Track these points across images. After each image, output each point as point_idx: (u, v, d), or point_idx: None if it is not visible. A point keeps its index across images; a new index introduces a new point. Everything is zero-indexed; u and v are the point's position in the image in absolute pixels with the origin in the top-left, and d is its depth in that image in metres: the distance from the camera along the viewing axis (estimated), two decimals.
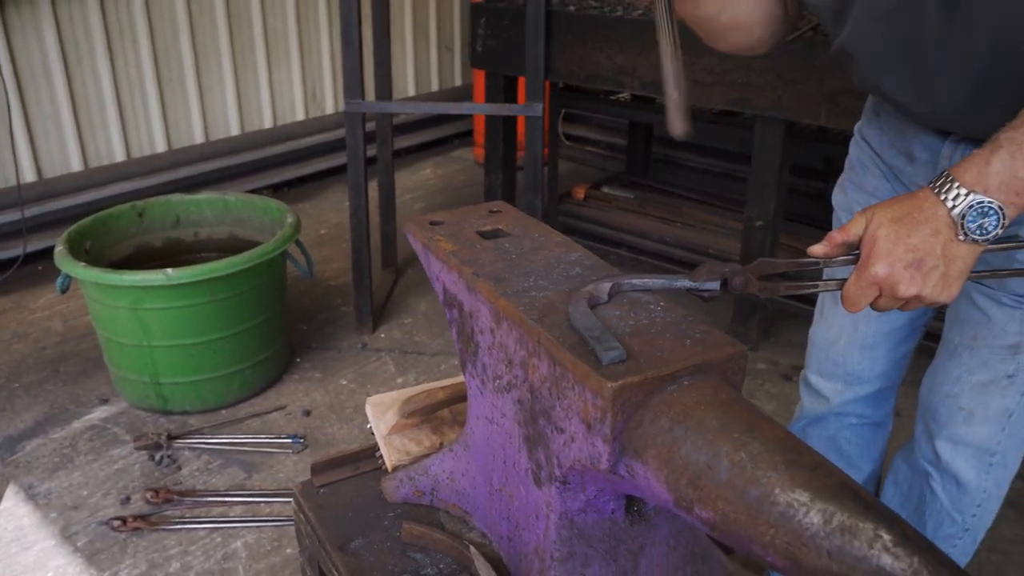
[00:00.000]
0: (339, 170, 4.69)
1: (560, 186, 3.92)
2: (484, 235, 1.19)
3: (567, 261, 1.11)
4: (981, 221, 0.91)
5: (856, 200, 1.36)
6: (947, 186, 0.92)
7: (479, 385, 1.11)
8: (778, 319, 3.19)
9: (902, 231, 0.93)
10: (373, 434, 1.35)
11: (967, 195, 0.90)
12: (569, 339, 0.90)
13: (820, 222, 3.33)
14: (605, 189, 3.98)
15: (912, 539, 0.67)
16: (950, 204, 0.92)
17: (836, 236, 0.96)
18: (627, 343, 0.89)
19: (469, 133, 5.40)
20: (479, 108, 2.80)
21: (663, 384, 0.85)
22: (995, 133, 0.92)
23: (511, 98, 3.28)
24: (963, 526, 1.38)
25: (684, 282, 0.98)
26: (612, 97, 4.20)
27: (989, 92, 1.04)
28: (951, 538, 1.40)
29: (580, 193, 3.93)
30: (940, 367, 1.33)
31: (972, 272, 0.97)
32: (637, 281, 1.01)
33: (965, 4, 1.00)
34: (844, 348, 1.43)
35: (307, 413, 2.58)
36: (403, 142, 4.98)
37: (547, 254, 1.12)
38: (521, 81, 3.36)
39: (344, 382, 2.77)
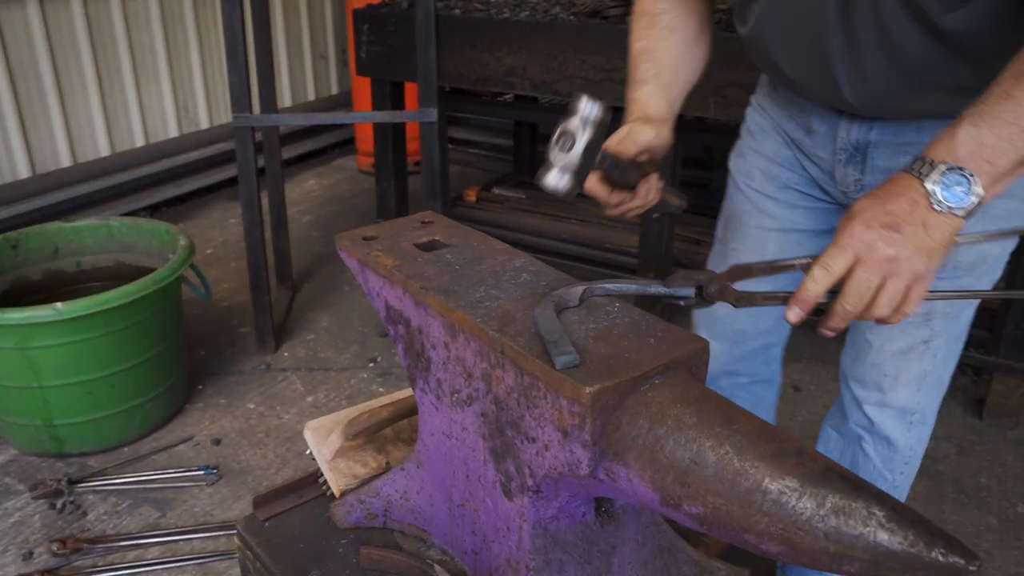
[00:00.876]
0: (219, 186, 4.52)
1: (450, 190, 3.90)
2: (422, 247, 1.17)
3: (513, 268, 1.10)
4: (953, 189, 0.90)
5: (756, 165, 1.40)
6: (919, 163, 0.93)
7: (433, 401, 1.08)
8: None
9: (878, 201, 0.91)
10: (314, 459, 1.31)
11: (937, 164, 0.90)
12: (535, 348, 0.89)
13: (711, 211, 3.44)
14: (496, 190, 4.00)
15: (902, 513, 0.70)
16: (919, 175, 0.92)
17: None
18: (592, 347, 0.89)
19: (350, 141, 5.30)
20: (374, 116, 2.75)
21: (636, 385, 0.86)
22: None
23: (398, 104, 3.24)
24: (892, 484, 1.46)
25: (659, 288, 0.97)
26: (499, 99, 4.21)
27: (883, 82, 1.10)
28: None
29: (472, 196, 3.93)
30: (861, 339, 1.39)
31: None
32: (611, 286, 1.00)
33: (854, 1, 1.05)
34: (729, 307, 1.47)
35: (217, 442, 2.47)
36: (283, 154, 4.84)
37: (491, 263, 1.11)
38: (408, 87, 3.32)
39: (252, 406, 2.67)
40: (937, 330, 1.32)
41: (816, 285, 0.89)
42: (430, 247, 1.17)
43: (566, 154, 1.08)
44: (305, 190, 4.70)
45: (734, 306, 0.95)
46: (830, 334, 0.92)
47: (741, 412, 0.83)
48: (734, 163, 1.46)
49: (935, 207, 0.90)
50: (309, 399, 2.70)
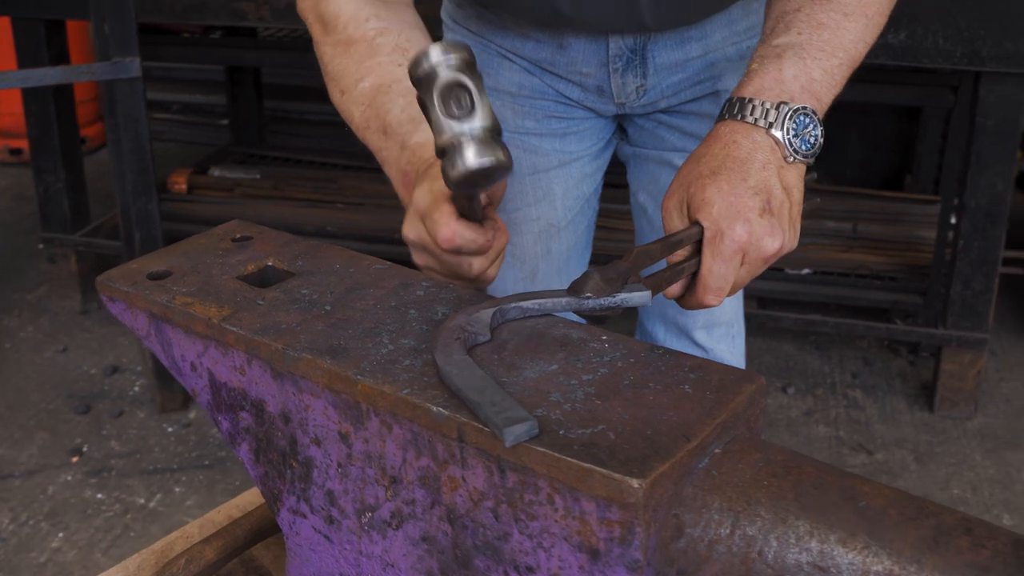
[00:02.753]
0: None
1: None
2: (252, 280, 1.04)
3: (414, 298, 1.00)
4: (803, 132, 1.07)
5: (501, 105, 1.52)
6: (748, 108, 1.08)
7: (320, 527, 0.96)
8: None
9: (733, 179, 1.05)
10: None
11: (779, 107, 1.06)
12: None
13: None
14: (216, 172, 3.81)
15: None
16: (765, 124, 1.07)
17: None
18: (604, 410, 0.82)
19: None
20: (31, 76, 2.49)
21: (693, 463, 0.78)
22: (758, 50, 1.14)
23: (61, 57, 2.98)
24: None
25: (595, 302, 0.98)
26: (208, 35, 4.01)
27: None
28: None
29: (180, 183, 3.72)
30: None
31: None
32: (528, 304, 0.96)
33: None
34: (543, 279, 1.63)
35: None
36: None
37: (376, 292, 1.00)
38: (73, 28, 3.06)
39: None
40: None
41: (725, 281, 1.07)
42: (267, 279, 1.05)
43: (471, 117, 0.98)
44: None
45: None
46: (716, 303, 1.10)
47: (858, 479, 0.78)
48: None
49: (788, 159, 1.07)
50: None
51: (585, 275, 0.98)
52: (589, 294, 0.97)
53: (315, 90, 4.60)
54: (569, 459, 0.76)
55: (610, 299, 0.98)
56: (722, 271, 1.06)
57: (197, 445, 2.72)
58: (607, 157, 1.63)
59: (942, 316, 2.73)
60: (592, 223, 1.68)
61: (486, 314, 0.93)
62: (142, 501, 2.51)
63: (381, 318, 0.96)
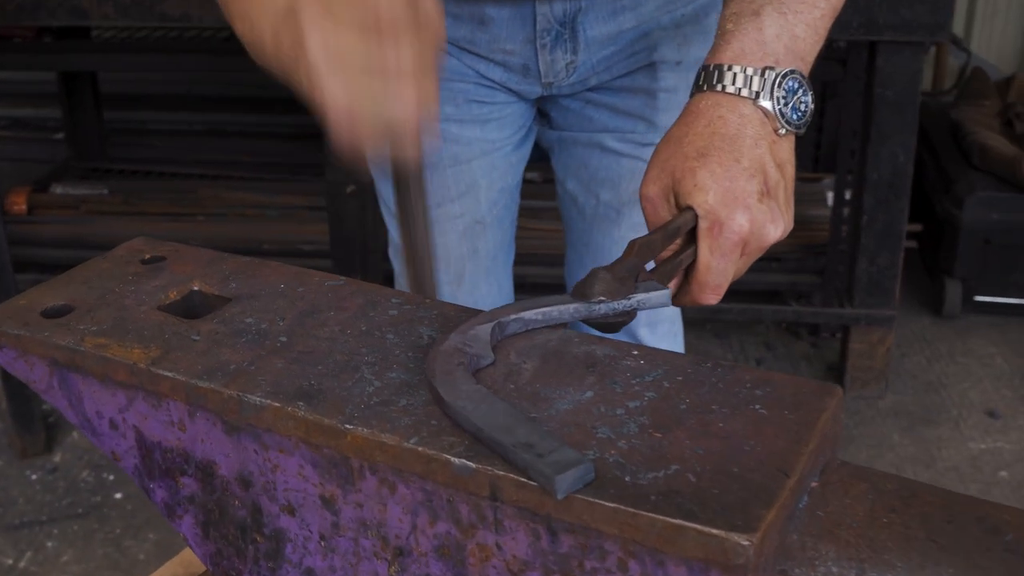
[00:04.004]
0: None
1: None
2: (175, 310, 0.85)
3: (387, 319, 0.83)
4: (794, 99, 0.97)
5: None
6: (729, 77, 0.97)
7: None
8: None
9: (725, 160, 0.95)
10: None
11: (764, 73, 0.96)
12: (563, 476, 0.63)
13: None
14: (58, 189, 3.58)
15: None
16: (749, 93, 0.96)
17: (656, 235, 0.94)
18: (675, 444, 0.67)
19: None
20: None
21: (793, 502, 0.63)
22: (729, 6, 1.02)
23: None
24: None
25: (606, 307, 0.84)
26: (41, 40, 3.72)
27: None
28: None
29: (19, 203, 3.46)
30: (599, 245, 1.47)
31: None
32: (530, 315, 0.81)
33: None
34: (469, 282, 1.52)
35: None
36: None
37: (338, 316, 0.83)
38: None
39: None
40: None
41: (724, 277, 0.97)
42: (195, 308, 0.87)
43: None
44: None
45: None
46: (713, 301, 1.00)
47: (988, 504, 0.67)
48: None
49: (779, 132, 0.97)
50: None
51: (591, 276, 0.85)
52: (601, 297, 0.83)
53: (157, 98, 4.43)
54: (650, 514, 0.60)
55: (625, 302, 0.85)
56: (721, 266, 0.96)
57: (67, 492, 2.44)
58: (529, 146, 1.52)
59: (848, 294, 2.67)
60: (515, 220, 1.56)
61: (483, 331, 0.78)
62: (10, 561, 2.23)
63: (354, 347, 0.78)
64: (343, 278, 0.87)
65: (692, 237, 0.95)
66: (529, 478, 0.62)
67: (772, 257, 2.95)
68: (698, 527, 0.59)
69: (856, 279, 2.63)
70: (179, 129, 4.25)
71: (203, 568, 0.93)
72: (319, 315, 0.82)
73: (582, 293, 0.83)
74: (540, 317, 0.81)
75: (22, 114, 4.46)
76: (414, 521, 0.69)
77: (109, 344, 0.78)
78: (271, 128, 4.12)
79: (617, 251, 1.04)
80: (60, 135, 4.24)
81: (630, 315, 0.86)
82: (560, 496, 0.61)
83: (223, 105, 4.26)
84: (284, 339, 0.79)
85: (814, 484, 0.66)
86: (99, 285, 0.87)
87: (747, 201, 0.94)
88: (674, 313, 1.55)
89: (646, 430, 0.67)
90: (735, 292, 3.13)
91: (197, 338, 0.79)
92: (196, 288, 0.87)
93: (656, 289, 0.86)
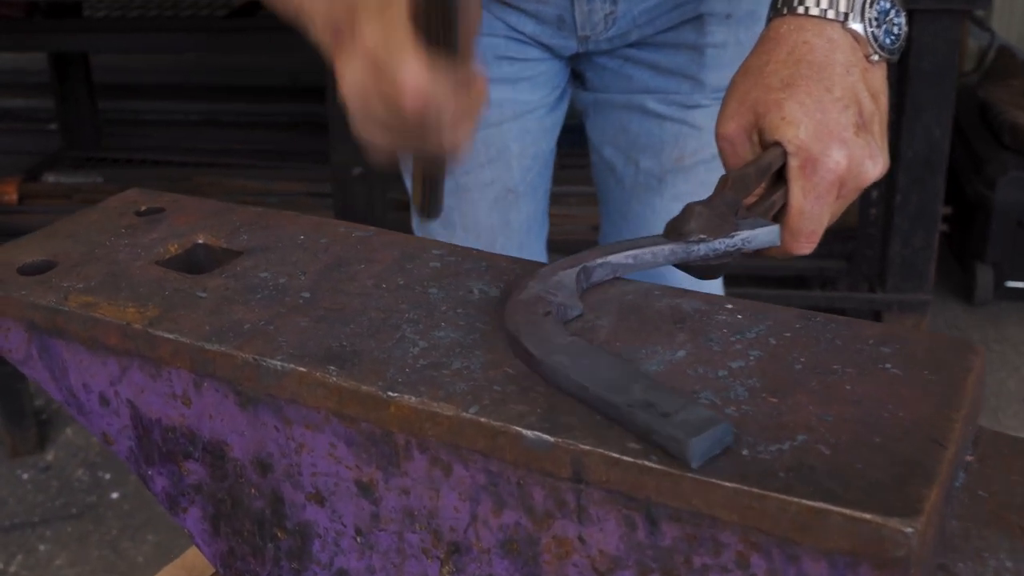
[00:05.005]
0: None
1: None
2: (176, 264, 0.74)
3: (429, 272, 0.72)
4: (886, 21, 0.91)
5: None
6: None
7: None
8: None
9: (815, 90, 0.87)
10: None
11: None
12: (651, 449, 0.52)
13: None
14: (50, 178, 3.57)
15: None
16: (837, 15, 0.89)
17: (749, 170, 0.87)
18: (798, 410, 0.57)
19: None
20: None
21: (950, 480, 0.52)
22: None
23: None
24: None
25: (687, 248, 0.77)
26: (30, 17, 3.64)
27: None
28: None
29: (10, 192, 3.44)
30: (638, 216, 1.41)
31: None
32: (618, 258, 0.74)
33: None
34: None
35: None
36: None
37: (370, 269, 0.73)
38: None
39: None
40: None
41: (819, 222, 0.90)
42: (200, 262, 0.76)
43: None
44: None
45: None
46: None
47: None
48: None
49: (871, 58, 0.90)
50: None
51: (686, 211, 0.78)
52: (702, 236, 0.76)
53: (152, 88, 4.36)
54: (780, 495, 0.49)
55: (728, 240, 0.77)
56: (816, 209, 0.88)
57: (60, 492, 2.35)
58: (563, 110, 1.45)
59: (879, 279, 2.56)
60: (548, 191, 1.49)
61: (567, 276, 0.68)
62: (1, 566, 2.14)
63: (391, 303, 0.67)
64: (373, 228, 0.76)
65: (779, 179, 0.86)
66: (651, 444, 0.52)
67: None
68: (844, 511, 0.48)
69: (889, 262, 2.53)
70: (175, 119, 4.20)
71: (211, 570, 0.82)
72: (347, 268, 0.71)
73: (677, 231, 0.75)
74: (631, 261, 0.73)
75: (13, 104, 4.42)
76: (474, 510, 0.57)
77: (98, 303, 0.67)
78: (268, 117, 4.09)
79: (659, 223, 0.96)
80: (53, 126, 4.21)
81: (733, 255, 0.79)
82: (695, 464, 0.52)
83: (219, 94, 4.22)
84: (307, 295, 0.67)
85: (969, 458, 0.55)
86: (87, 239, 0.76)
87: (843, 135, 0.86)
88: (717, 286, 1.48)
89: (758, 394, 0.56)
90: (761, 278, 3.05)
91: (203, 295, 0.67)
92: (201, 241, 0.76)
93: (763, 225, 0.77)
